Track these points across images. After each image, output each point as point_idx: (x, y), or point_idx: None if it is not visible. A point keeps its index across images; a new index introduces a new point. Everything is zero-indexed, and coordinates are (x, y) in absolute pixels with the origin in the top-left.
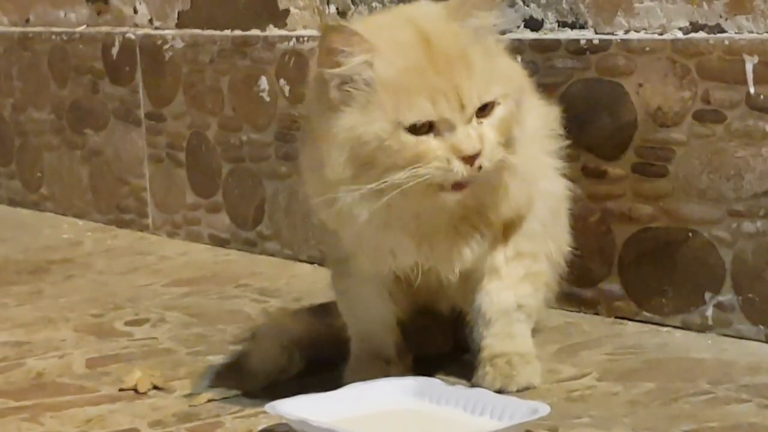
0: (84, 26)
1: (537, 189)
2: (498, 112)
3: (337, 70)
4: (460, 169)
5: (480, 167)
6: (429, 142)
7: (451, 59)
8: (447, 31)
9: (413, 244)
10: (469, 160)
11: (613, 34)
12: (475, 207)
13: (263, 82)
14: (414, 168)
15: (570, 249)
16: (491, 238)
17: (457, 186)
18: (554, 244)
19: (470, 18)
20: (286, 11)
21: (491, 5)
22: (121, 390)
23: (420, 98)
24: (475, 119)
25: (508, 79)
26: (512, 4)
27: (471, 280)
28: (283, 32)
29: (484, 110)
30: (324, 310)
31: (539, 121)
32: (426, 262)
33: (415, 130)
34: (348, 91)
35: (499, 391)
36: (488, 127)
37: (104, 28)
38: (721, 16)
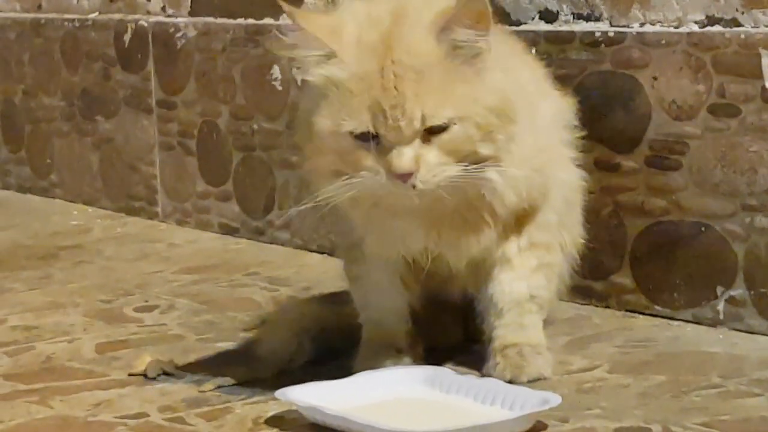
0: (96, 13)
1: (552, 180)
2: (448, 135)
3: (283, 53)
4: (387, 183)
5: (414, 186)
6: (366, 151)
7: (406, 74)
8: (419, 41)
9: (422, 230)
10: (401, 177)
11: (628, 26)
12: (477, 198)
13: (276, 71)
14: (348, 179)
15: (583, 240)
16: (500, 228)
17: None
18: (568, 234)
19: (450, 32)
20: (300, 0)
21: (478, 23)
22: (130, 375)
23: (362, 108)
24: (420, 138)
25: (471, 102)
26: None
27: (482, 269)
28: None
29: (436, 129)
30: (334, 299)
31: (555, 112)
32: (435, 248)
33: (357, 136)
34: (306, 79)
35: (510, 382)
36: (433, 148)
37: (117, 15)
38: (737, 10)
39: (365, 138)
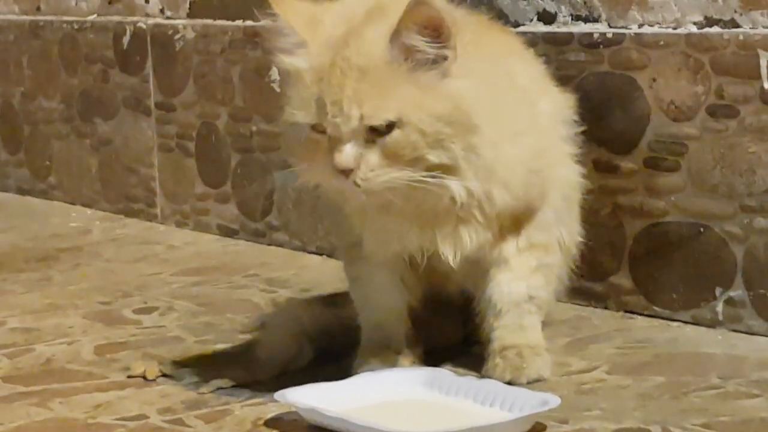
0: (95, 15)
1: (551, 178)
2: (389, 138)
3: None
4: (331, 177)
5: (357, 185)
6: (318, 143)
7: (351, 71)
8: (371, 42)
9: (417, 228)
10: (343, 173)
11: (626, 27)
12: (442, 203)
13: (275, 72)
14: (303, 166)
15: (581, 239)
16: (496, 228)
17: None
18: (566, 231)
19: (400, 36)
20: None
21: (432, 31)
22: (129, 377)
23: (311, 100)
24: (364, 136)
25: (415, 108)
26: None
27: (480, 269)
28: None
29: (378, 131)
30: (333, 301)
31: (554, 109)
32: (430, 247)
33: (312, 127)
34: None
35: (509, 383)
36: (376, 150)
37: (115, 18)
38: (735, 11)
39: (319, 130)
